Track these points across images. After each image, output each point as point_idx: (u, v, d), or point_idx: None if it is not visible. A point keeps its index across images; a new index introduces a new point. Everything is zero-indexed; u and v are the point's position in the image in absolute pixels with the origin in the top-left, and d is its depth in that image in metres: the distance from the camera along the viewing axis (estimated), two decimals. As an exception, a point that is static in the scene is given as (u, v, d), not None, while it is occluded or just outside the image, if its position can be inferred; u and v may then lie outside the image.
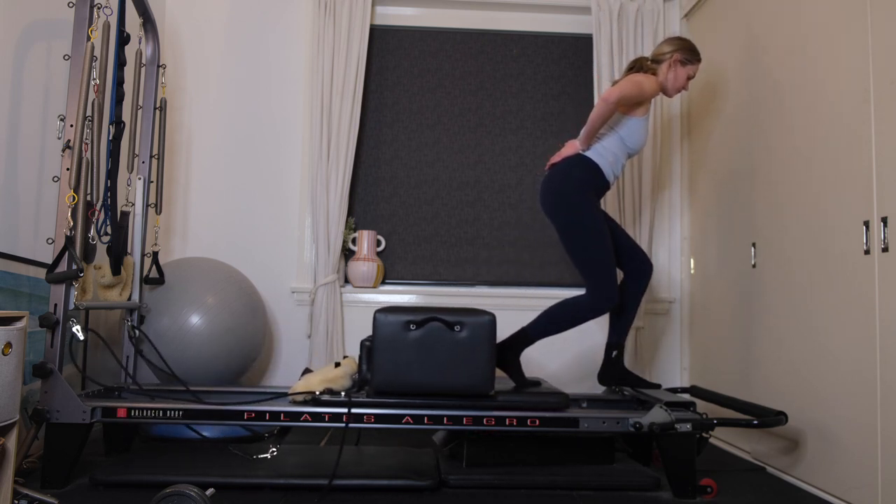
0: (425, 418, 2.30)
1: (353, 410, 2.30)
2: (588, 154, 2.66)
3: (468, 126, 3.82)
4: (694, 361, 3.59)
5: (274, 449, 2.51)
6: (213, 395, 2.72)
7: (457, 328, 2.35)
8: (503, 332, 3.68)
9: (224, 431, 2.88)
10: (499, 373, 2.69)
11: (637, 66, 2.75)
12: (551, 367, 3.66)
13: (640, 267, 2.77)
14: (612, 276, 2.57)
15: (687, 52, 2.73)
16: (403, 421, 2.30)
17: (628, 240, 2.80)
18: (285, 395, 2.49)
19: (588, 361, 3.67)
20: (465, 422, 2.31)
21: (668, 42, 2.76)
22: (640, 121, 2.67)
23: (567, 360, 3.67)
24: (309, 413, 2.31)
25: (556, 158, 2.71)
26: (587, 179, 2.63)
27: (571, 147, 2.69)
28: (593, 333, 3.66)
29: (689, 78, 2.75)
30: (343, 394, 2.39)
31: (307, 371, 2.73)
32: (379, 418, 2.31)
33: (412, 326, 2.35)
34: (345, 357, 2.66)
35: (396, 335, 2.35)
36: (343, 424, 2.29)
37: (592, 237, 2.57)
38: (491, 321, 2.37)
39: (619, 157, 2.68)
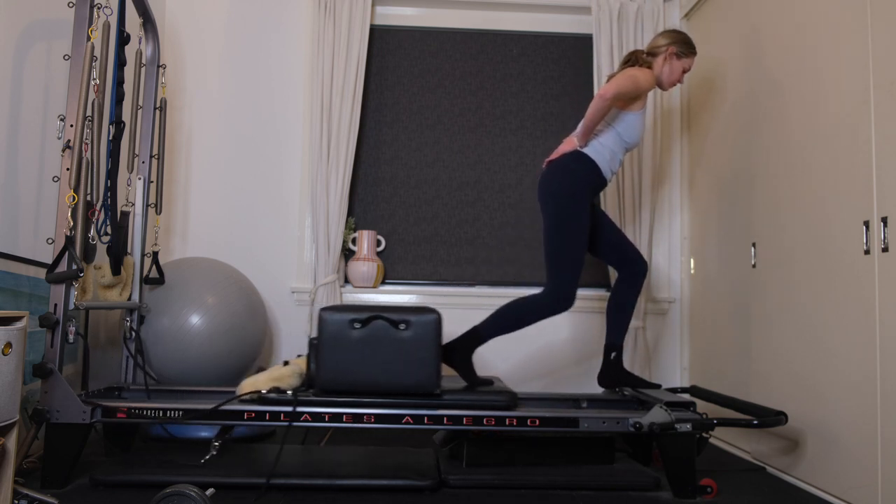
0: (365, 416, 2.29)
1: (298, 409, 2.29)
2: (586, 151, 2.66)
3: (468, 126, 3.82)
4: (694, 361, 3.59)
5: (216, 444, 2.38)
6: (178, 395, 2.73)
7: (401, 326, 2.35)
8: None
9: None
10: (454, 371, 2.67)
11: (633, 59, 2.74)
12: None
13: (633, 267, 2.77)
14: (575, 280, 2.60)
15: (682, 44, 2.72)
16: (345, 420, 2.29)
17: (623, 238, 2.79)
18: (233, 394, 2.47)
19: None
20: (465, 421, 2.30)
21: (663, 35, 2.75)
22: (636, 115, 2.66)
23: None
24: (254, 411, 2.28)
25: (554, 156, 2.71)
26: (584, 177, 2.63)
27: (569, 144, 2.69)
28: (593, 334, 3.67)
29: (685, 71, 2.75)
30: (289, 392, 2.37)
31: (261, 370, 2.71)
32: (322, 417, 2.29)
33: (356, 325, 2.35)
34: (298, 356, 2.63)
35: (341, 333, 2.35)
36: (287, 423, 2.28)
37: (573, 240, 2.59)
38: (436, 319, 2.37)
39: (616, 153, 2.68)
